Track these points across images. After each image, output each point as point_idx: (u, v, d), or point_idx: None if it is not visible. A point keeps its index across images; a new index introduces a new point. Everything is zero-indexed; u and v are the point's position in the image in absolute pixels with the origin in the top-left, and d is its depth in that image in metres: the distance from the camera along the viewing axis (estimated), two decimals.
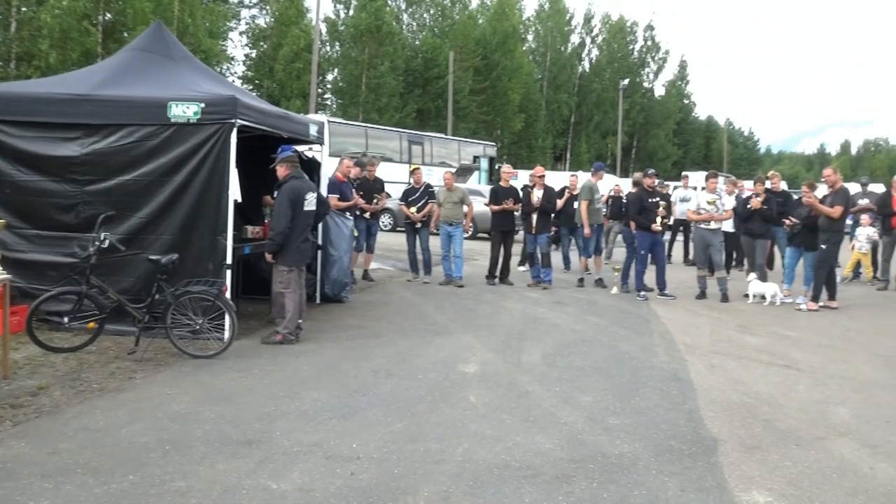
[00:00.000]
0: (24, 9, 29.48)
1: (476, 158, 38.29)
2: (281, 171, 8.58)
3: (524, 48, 68.43)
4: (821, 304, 11.87)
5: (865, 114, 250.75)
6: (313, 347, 8.30)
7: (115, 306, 7.67)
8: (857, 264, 15.69)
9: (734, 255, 16.37)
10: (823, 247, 11.70)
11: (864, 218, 15.37)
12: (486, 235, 22.11)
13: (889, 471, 5.08)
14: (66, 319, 7.57)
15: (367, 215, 13.37)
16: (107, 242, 7.61)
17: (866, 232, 15.20)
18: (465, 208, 13.87)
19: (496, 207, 13.67)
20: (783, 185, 14.74)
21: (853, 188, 16.02)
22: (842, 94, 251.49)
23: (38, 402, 5.96)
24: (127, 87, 8.67)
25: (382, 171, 16.03)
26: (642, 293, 12.64)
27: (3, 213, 8.09)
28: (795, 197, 13.29)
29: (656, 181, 13.27)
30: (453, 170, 20.50)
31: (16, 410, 5.72)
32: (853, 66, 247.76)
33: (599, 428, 5.78)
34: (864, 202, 15.46)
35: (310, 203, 8.63)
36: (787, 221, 12.19)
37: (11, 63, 28.97)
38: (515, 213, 13.68)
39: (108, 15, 33.21)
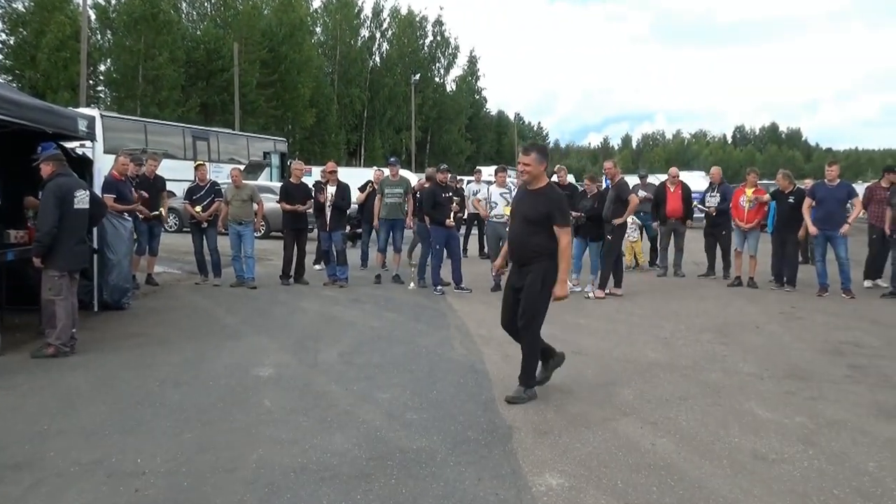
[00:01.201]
0: None
1: (267, 154, 37.70)
2: (46, 169, 8.07)
3: (313, 41, 68.17)
4: (607, 291, 12.68)
5: (645, 109, 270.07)
6: (92, 358, 7.87)
7: None
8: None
9: None
10: (610, 237, 12.53)
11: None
12: (279, 234, 21.87)
13: (668, 445, 5.53)
14: None
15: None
16: None
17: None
18: (255, 206, 13.63)
19: (288, 207, 13.55)
20: (570, 178, 15.60)
21: (632, 180, 17.26)
22: (623, 90, 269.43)
23: None
24: None
25: (165, 169, 15.43)
26: (439, 287, 12.96)
27: None
28: (581, 189, 14.13)
29: (448, 176, 13.64)
30: (242, 166, 20.08)
31: None
32: (633, 60, 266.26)
33: (398, 424, 5.89)
34: (642, 194, 16.65)
35: (81, 201, 8.17)
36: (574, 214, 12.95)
37: None
38: (308, 211, 13.64)
39: None
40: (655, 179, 20.22)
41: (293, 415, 6.07)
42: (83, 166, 10.38)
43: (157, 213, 13.00)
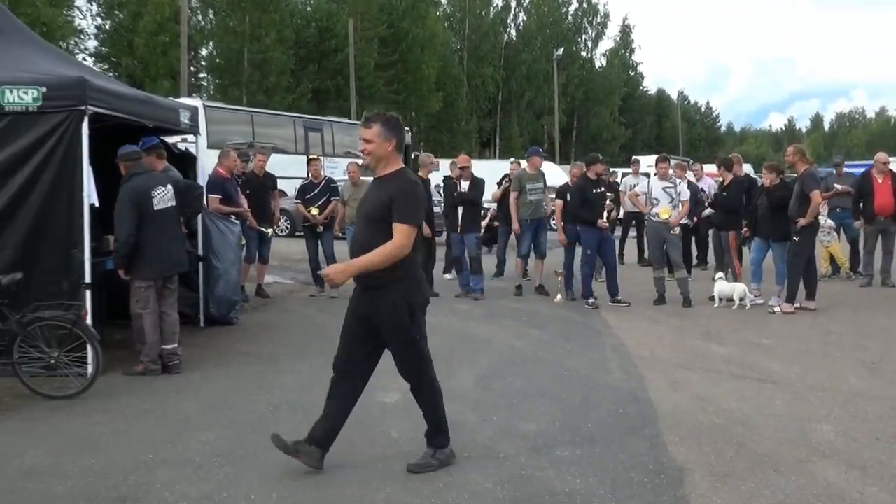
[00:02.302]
0: None
1: None
2: (121, 169, 8.53)
3: (438, 13, 68.84)
4: (797, 305, 12.27)
5: (838, 83, 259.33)
6: (198, 379, 8.23)
7: None
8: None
9: (696, 253, 16.83)
10: (796, 238, 12.09)
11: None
12: None
13: (881, 496, 5.30)
14: None
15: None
16: None
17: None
18: None
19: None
20: (748, 169, 15.18)
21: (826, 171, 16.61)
22: (809, 60, 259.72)
23: None
24: None
25: (274, 164, 15.93)
26: (591, 300, 12.87)
27: None
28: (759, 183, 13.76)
29: (602, 169, 13.46)
30: (360, 161, 20.48)
31: None
32: (827, 30, 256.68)
33: (546, 461, 5.88)
34: (839, 187, 16.03)
35: (161, 199, 8.52)
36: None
37: None
38: (436, 210, 13.79)
39: None
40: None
41: (423, 448, 6.12)
42: (186, 163, 10.86)
43: (266, 229, 13.36)
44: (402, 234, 5.39)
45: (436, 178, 14.36)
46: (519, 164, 15.82)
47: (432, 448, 5.81)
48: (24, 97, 7.97)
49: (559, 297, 13.54)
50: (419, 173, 14.30)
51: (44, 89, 7.97)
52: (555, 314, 12.33)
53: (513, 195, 14.22)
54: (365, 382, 5.84)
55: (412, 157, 39.56)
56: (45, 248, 8.06)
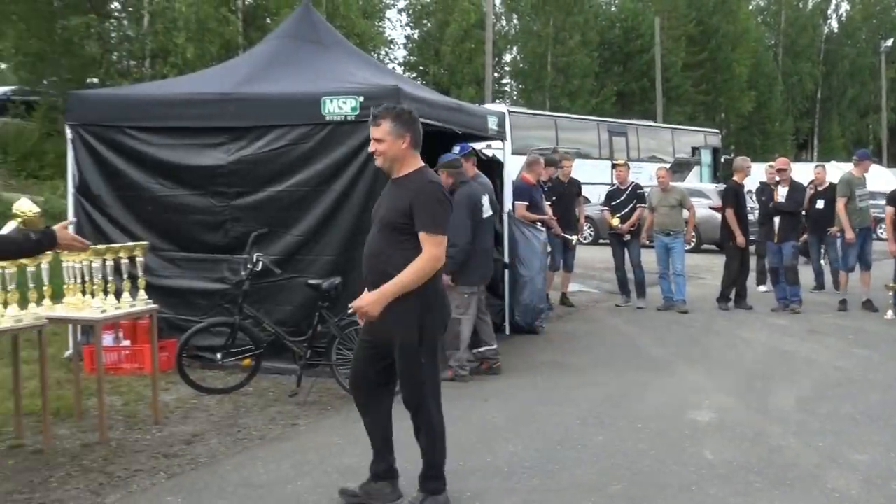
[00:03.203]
0: None
1: (696, 150, 37.52)
2: (443, 178, 8.74)
3: (750, 7, 66.60)
4: None
5: None
6: (504, 388, 8.40)
7: (271, 340, 8.06)
8: None
9: None
10: None
11: None
12: (712, 246, 21.64)
13: None
14: (218, 356, 8.03)
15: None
16: (260, 265, 8.00)
17: None
18: (686, 213, 13.59)
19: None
20: None
21: None
22: None
23: (193, 451, 6.36)
24: (274, 81, 9.10)
25: (578, 169, 15.99)
26: None
27: (145, 234, 8.68)
28: None
29: None
30: (668, 165, 20.20)
31: (170, 461, 6.13)
32: None
33: (881, 496, 5.53)
34: None
35: (486, 209, 8.78)
36: None
37: (146, 61, 31.13)
38: (750, 217, 13.31)
39: None
40: None
41: (741, 472, 5.96)
42: (492, 169, 11.11)
43: (571, 236, 13.41)
44: (432, 245, 4.92)
45: (750, 184, 13.81)
46: (823, 168, 14.89)
47: (423, 493, 5.19)
48: (344, 107, 8.45)
49: (890, 313, 12.63)
50: (734, 178, 13.89)
51: (361, 98, 8.39)
52: (886, 332, 11.54)
53: (841, 201, 13.40)
54: (391, 399, 5.37)
55: (721, 160, 38.70)
56: (361, 253, 8.48)
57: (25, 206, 5.73)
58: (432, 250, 4.90)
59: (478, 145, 11.16)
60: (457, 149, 9.02)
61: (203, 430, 6.85)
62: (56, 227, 4.93)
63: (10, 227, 5.64)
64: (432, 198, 4.98)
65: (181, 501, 5.37)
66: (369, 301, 4.91)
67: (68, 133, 9.29)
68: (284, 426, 7.02)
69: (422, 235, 4.90)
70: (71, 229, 5.63)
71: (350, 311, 4.92)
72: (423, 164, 5.17)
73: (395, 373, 5.16)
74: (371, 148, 5.11)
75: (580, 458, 6.22)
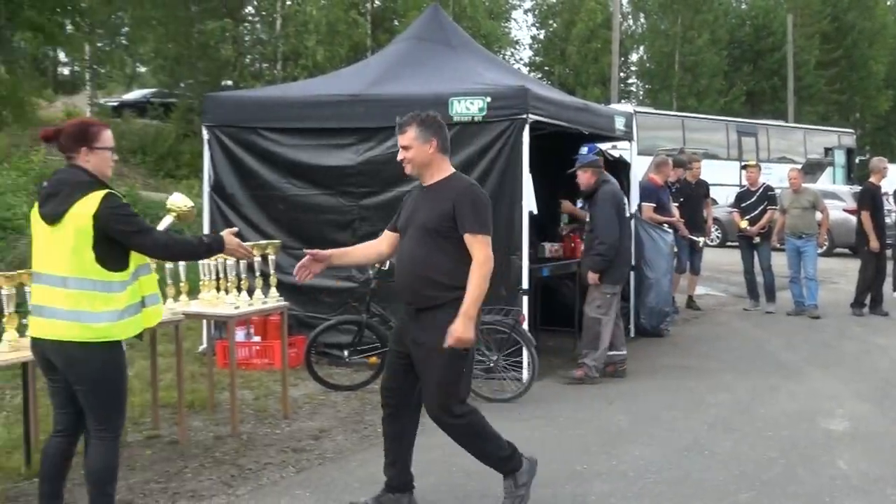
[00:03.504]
0: (288, 2, 32.45)
1: (829, 151, 36.44)
2: (586, 177, 8.70)
3: (888, 3, 64.23)
4: None
5: None
6: (629, 391, 8.34)
7: None
8: None
9: None
10: None
11: None
12: (845, 250, 21.00)
13: None
14: (346, 353, 8.19)
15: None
16: (387, 264, 8.09)
17: None
18: (819, 216, 13.23)
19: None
20: None
21: None
22: None
23: (321, 446, 6.52)
24: (402, 82, 9.22)
25: (705, 170, 15.72)
26: None
27: (276, 232, 8.90)
28: None
29: None
30: (799, 166, 19.68)
31: (298, 455, 6.30)
32: None
33: None
34: None
35: (627, 209, 8.81)
36: None
37: (278, 63, 31.91)
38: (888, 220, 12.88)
39: (377, 1, 35.70)
40: None
41: (878, 484, 5.79)
42: (618, 169, 11.02)
43: (698, 238, 13.19)
44: (482, 246, 4.84)
45: (886, 185, 13.35)
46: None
47: (510, 479, 5.13)
48: (471, 108, 8.49)
49: None
50: (870, 179, 13.44)
51: (488, 99, 8.44)
52: None
53: None
54: (418, 414, 5.29)
55: (855, 161, 37.46)
56: None
57: (180, 201, 5.85)
58: (485, 251, 4.86)
59: (603, 146, 11.09)
60: (584, 149, 8.96)
61: (330, 426, 7.01)
62: (224, 233, 5.06)
63: (167, 222, 5.78)
64: (475, 199, 4.93)
65: (310, 495, 5.50)
66: (461, 329, 4.75)
67: (204, 134, 9.59)
68: None
69: (468, 237, 4.84)
70: (206, 228, 5.80)
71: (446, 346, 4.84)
72: (453, 169, 5.15)
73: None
74: (399, 156, 5.05)
75: (707, 465, 6.13)
